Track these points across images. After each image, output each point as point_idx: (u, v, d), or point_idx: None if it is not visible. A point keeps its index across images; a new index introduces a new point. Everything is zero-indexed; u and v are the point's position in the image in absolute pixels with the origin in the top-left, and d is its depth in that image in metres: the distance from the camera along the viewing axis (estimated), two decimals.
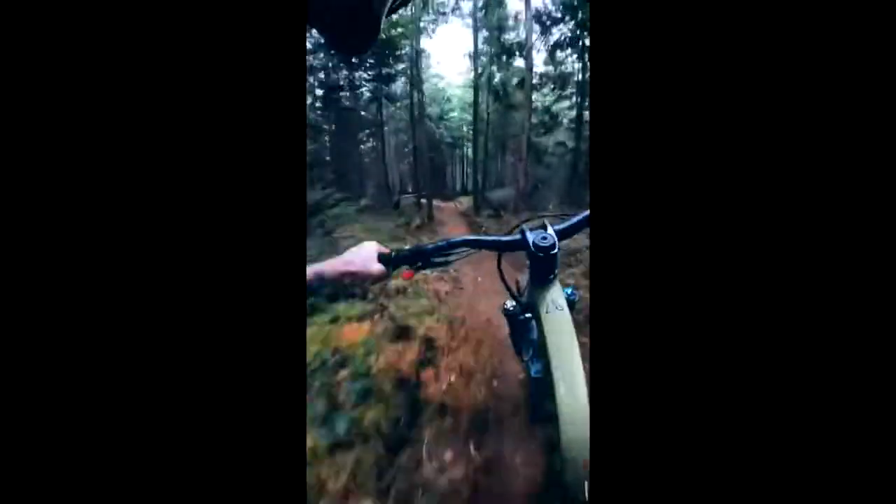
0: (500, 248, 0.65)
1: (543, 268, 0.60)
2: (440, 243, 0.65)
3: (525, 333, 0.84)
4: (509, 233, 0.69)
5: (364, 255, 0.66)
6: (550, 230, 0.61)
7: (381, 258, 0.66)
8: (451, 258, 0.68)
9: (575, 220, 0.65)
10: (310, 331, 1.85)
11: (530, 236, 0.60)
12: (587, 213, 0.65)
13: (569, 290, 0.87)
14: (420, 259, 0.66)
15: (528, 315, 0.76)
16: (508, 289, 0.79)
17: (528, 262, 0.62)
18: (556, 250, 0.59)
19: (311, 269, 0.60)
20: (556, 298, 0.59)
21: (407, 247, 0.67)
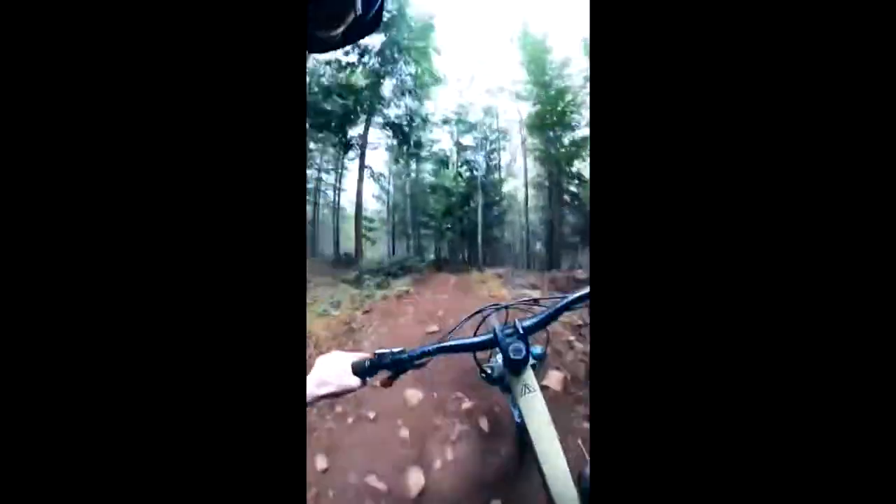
0: (473, 350, 0.68)
1: (516, 365, 0.63)
2: (414, 352, 0.66)
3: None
4: (476, 329, 0.71)
5: (338, 370, 0.64)
6: (520, 327, 0.62)
7: (357, 369, 0.64)
8: (426, 361, 0.69)
9: (544, 315, 0.65)
10: None
11: (501, 337, 0.62)
12: (560, 305, 0.66)
13: (536, 351, 0.89)
14: (396, 367, 0.66)
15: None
16: (484, 374, 0.79)
17: (499, 351, 0.64)
18: (528, 362, 0.61)
19: None
20: (528, 382, 0.61)
21: (379, 351, 0.66)
